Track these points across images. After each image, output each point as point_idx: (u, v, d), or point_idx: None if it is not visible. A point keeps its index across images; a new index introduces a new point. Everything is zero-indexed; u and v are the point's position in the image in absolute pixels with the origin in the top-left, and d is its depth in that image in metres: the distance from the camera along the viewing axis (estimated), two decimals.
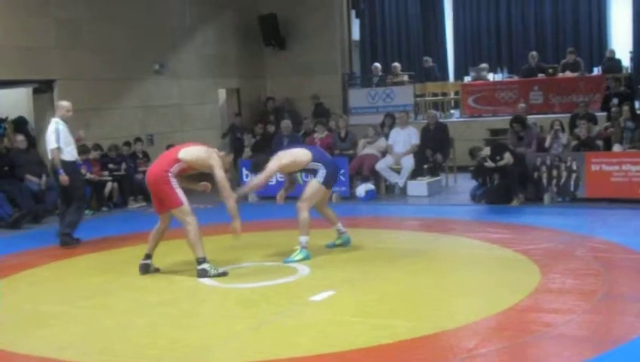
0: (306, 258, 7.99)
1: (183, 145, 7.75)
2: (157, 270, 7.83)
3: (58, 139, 9.55)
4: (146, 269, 7.71)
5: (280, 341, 5.45)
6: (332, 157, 10.22)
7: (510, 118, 13.35)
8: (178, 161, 7.44)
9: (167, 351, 5.36)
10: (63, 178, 9.55)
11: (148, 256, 7.76)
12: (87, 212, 12.61)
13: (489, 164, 11.63)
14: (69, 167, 9.69)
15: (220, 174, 7.46)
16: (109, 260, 8.83)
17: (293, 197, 8.64)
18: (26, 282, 7.85)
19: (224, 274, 7.45)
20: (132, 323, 6.10)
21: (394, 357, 5.06)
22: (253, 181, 8.53)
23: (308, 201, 8.17)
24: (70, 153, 9.69)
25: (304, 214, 8.08)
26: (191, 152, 7.54)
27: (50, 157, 9.77)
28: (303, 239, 8.07)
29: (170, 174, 7.37)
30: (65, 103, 9.95)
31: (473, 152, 12.16)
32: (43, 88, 13.11)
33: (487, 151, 11.90)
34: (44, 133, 13.04)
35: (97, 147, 13.36)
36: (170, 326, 5.96)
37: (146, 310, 6.50)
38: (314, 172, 8.29)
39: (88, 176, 12.67)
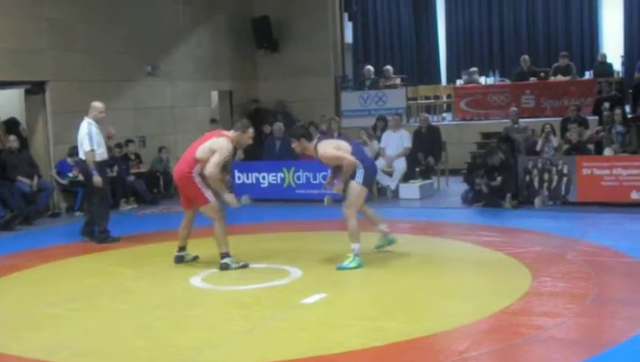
0: (359, 266, 7.66)
1: (202, 140, 7.92)
2: (195, 258, 8.27)
3: (92, 142, 9.65)
4: (180, 260, 8.14)
5: (272, 343, 5.47)
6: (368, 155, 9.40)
7: (501, 121, 13.37)
8: (197, 161, 7.70)
9: (159, 354, 5.37)
10: (97, 179, 9.67)
11: (182, 248, 8.16)
12: (77, 213, 12.63)
13: (484, 188, 11.68)
14: (100, 167, 9.86)
15: (208, 168, 7.63)
16: (101, 262, 8.82)
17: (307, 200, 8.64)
18: (18, 284, 7.84)
19: (245, 266, 7.79)
20: (124, 326, 6.10)
21: (386, 359, 5.08)
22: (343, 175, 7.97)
23: (354, 206, 7.85)
24: (101, 155, 9.84)
25: (352, 222, 7.78)
26: (204, 150, 7.74)
27: (83, 158, 9.84)
28: (356, 246, 7.73)
29: (193, 175, 7.72)
30: (98, 104, 9.99)
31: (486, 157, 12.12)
32: (35, 89, 13.07)
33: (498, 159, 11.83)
34: (36, 133, 13.18)
35: None
36: (162, 329, 5.96)
37: (138, 312, 6.50)
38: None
39: (72, 178, 12.71)
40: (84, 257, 9.10)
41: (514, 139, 13.03)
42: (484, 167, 11.83)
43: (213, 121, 16.55)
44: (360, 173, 7.83)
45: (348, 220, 7.80)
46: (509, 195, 11.51)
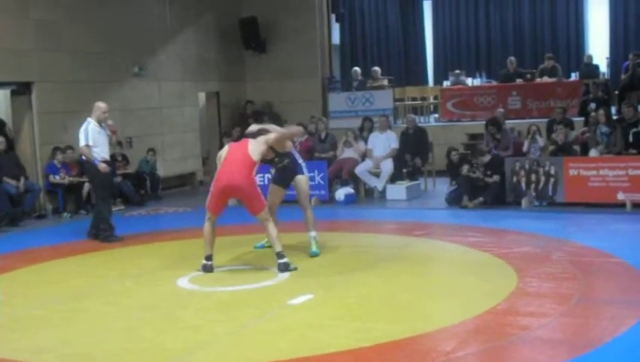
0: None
1: (240, 147, 7.96)
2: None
3: (87, 138, 9.88)
4: (210, 269, 7.83)
5: (259, 344, 5.47)
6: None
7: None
8: (256, 163, 7.87)
9: (146, 355, 5.36)
10: (102, 166, 9.93)
11: (211, 257, 7.88)
12: (65, 215, 12.59)
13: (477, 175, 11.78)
14: (96, 166, 9.96)
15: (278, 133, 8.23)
16: (87, 264, 8.79)
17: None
18: (3, 286, 7.78)
19: (295, 268, 7.76)
20: (111, 327, 6.08)
21: (372, 360, 5.10)
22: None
23: (308, 197, 8.73)
24: (98, 153, 9.96)
25: (310, 211, 8.59)
26: (256, 150, 7.87)
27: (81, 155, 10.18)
28: (315, 233, 8.53)
29: (255, 178, 7.96)
30: (101, 104, 10.17)
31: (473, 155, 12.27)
32: (21, 90, 13.01)
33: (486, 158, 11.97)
34: (22, 134, 13.11)
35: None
36: (149, 330, 5.95)
37: (125, 314, 6.48)
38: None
39: (61, 180, 12.67)
40: (71, 259, 9.07)
41: (501, 123, 13.16)
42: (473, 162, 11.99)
43: (226, 133, 16.42)
44: (305, 167, 8.60)
45: (307, 210, 8.51)
46: (465, 197, 11.69)
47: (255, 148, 7.84)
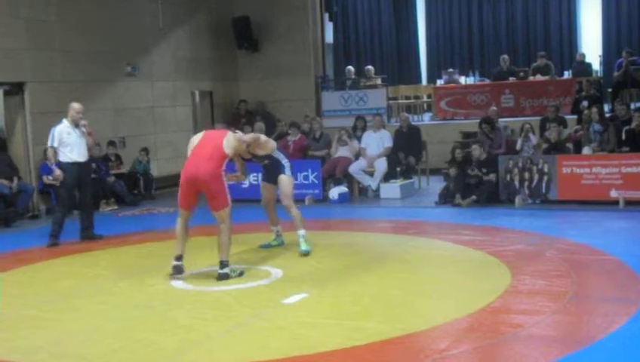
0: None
1: (213, 137, 7.64)
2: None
3: (52, 139, 9.82)
4: (180, 271, 7.49)
5: (253, 343, 5.46)
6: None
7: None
8: (226, 156, 7.52)
9: (139, 355, 5.34)
10: (56, 173, 9.83)
11: (180, 257, 7.53)
12: (74, 213, 12.54)
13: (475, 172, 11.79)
14: (64, 167, 9.90)
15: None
16: (80, 264, 8.76)
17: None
18: None
19: (241, 274, 7.53)
20: (103, 327, 6.07)
21: (366, 358, 5.08)
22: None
23: (291, 197, 8.59)
24: (65, 154, 9.88)
25: (295, 210, 8.52)
26: (230, 144, 7.55)
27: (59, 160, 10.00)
28: (303, 232, 8.46)
29: (223, 172, 7.45)
30: (75, 105, 10.08)
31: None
32: (13, 90, 12.97)
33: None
34: (15, 135, 13.07)
35: None
36: (142, 330, 5.93)
37: (117, 313, 6.46)
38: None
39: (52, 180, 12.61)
40: (63, 259, 9.04)
41: (495, 121, 13.18)
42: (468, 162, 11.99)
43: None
44: (288, 168, 8.55)
45: (291, 210, 8.48)
46: (457, 195, 11.72)
47: (230, 141, 7.52)
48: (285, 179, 8.52)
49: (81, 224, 10.21)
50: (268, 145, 8.43)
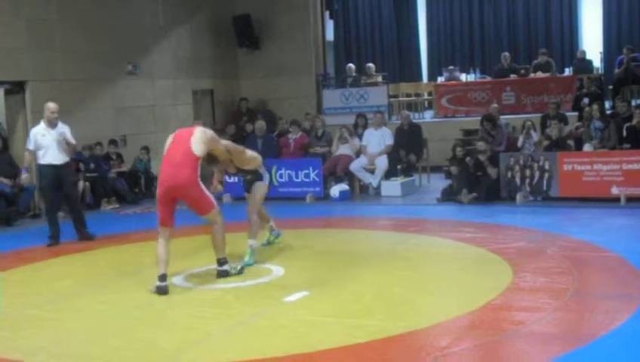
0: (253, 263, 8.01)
1: (183, 137, 7.22)
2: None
3: (29, 142, 9.74)
4: (165, 291, 6.92)
5: (254, 342, 5.46)
6: None
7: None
8: (198, 159, 7.18)
9: (139, 354, 5.35)
10: (23, 178, 9.85)
11: (165, 277, 6.99)
12: (59, 214, 12.51)
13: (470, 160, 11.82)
14: (41, 170, 9.77)
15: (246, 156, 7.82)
16: (81, 263, 8.77)
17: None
18: None
19: (242, 271, 7.48)
20: (104, 326, 6.07)
21: (368, 356, 5.08)
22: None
23: (259, 205, 8.41)
24: (41, 157, 9.72)
25: (256, 218, 8.29)
26: (200, 145, 7.14)
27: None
28: (254, 243, 8.18)
29: (199, 178, 7.11)
30: (49, 105, 9.90)
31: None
32: (15, 89, 12.98)
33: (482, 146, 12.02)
34: (16, 134, 13.08)
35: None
36: (143, 329, 5.94)
37: (118, 313, 6.46)
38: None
39: None
40: (64, 258, 9.05)
41: (496, 119, 13.18)
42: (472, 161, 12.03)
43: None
44: (267, 177, 8.44)
45: (252, 215, 8.22)
46: (465, 190, 11.70)
47: (198, 140, 7.06)
48: (261, 187, 8.30)
49: (74, 226, 10.11)
50: (255, 161, 8.22)
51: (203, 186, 7.16)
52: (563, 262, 7.39)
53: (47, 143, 9.69)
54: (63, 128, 9.88)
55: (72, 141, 9.98)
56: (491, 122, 13.07)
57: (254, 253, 8.06)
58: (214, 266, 7.63)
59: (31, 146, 9.69)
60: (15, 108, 13.09)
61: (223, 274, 7.32)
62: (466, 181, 11.83)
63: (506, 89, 16.74)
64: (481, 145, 11.99)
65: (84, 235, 10.07)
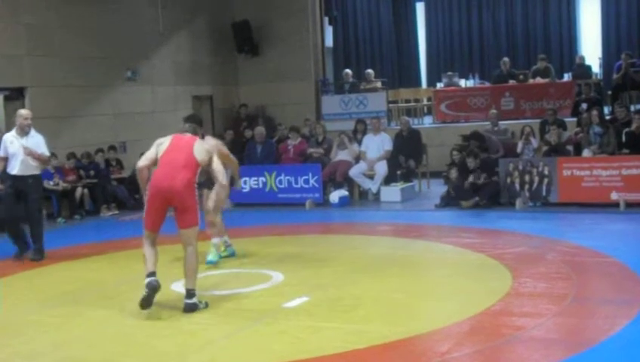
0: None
1: (184, 144, 6.86)
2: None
3: (1, 149, 9.19)
4: (156, 285, 6.49)
5: (254, 348, 5.46)
6: None
7: (481, 123, 13.55)
8: (199, 165, 6.80)
9: (140, 360, 5.35)
10: None
11: (154, 273, 6.57)
12: (59, 220, 12.54)
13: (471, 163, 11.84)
14: (4, 178, 9.26)
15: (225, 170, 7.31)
16: (81, 268, 8.76)
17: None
18: None
19: (207, 305, 6.62)
20: (105, 332, 6.07)
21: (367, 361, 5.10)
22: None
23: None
24: (9, 166, 9.14)
25: (218, 218, 8.40)
26: (201, 152, 6.83)
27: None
28: (218, 240, 8.45)
29: (196, 185, 6.77)
30: (21, 111, 9.45)
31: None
32: (14, 96, 12.98)
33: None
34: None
35: (71, 155, 13.23)
36: (143, 335, 5.94)
37: (118, 318, 6.46)
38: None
39: (55, 185, 12.59)
40: (65, 264, 9.04)
41: (484, 135, 13.18)
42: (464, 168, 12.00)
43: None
44: (240, 181, 8.85)
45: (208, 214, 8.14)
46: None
47: (200, 149, 6.78)
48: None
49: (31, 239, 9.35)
50: (236, 165, 8.52)
51: (197, 200, 6.79)
52: (563, 268, 7.39)
53: (12, 151, 9.07)
54: (36, 138, 9.26)
55: (43, 153, 9.27)
56: (478, 140, 13.00)
57: (218, 251, 8.37)
58: (213, 272, 7.63)
59: (2, 153, 9.13)
60: (15, 114, 13.04)
61: (191, 308, 6.47)
62: (461, 191, 11.81)
63: (505, 94, 16.77)
64: (470, 161, 11.93)
65: (35, 253, 9.19)
